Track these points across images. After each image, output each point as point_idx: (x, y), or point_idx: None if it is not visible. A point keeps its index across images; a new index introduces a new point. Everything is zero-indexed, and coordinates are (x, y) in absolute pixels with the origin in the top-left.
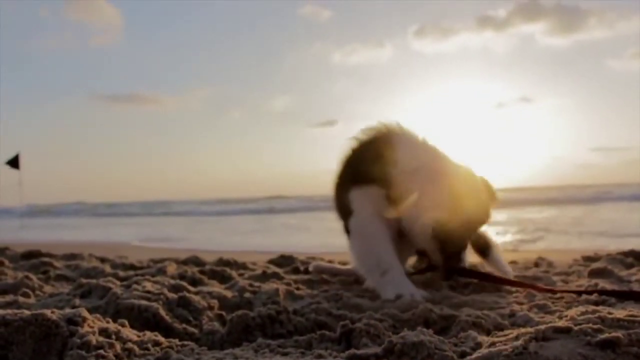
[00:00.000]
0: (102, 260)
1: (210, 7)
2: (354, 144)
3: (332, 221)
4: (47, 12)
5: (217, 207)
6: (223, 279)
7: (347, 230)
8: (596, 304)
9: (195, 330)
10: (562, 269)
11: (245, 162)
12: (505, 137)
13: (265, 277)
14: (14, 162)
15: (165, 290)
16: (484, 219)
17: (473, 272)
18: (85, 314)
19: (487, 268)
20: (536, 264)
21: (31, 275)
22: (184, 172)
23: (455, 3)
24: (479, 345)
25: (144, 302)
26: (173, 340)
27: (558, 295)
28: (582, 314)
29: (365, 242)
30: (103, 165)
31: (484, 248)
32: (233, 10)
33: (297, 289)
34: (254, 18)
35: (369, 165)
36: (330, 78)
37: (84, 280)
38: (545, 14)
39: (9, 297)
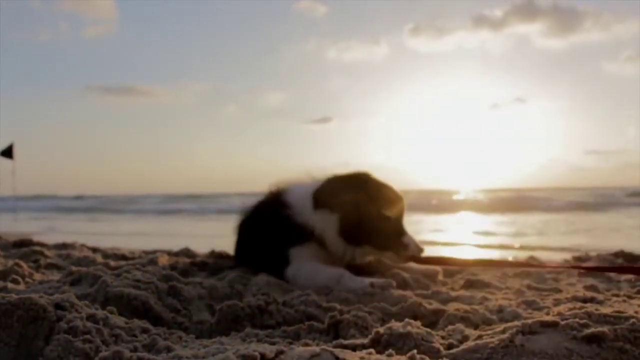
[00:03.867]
0: (94, 250)
1: (206, 2)
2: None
3: None
4: (40, 3)
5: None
6: (214, 270)
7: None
8: (584, 301)
9: (185, 320)
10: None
11: (238, 157)
12: (500, 138)
13: (255, 270)
14: (7, 152)
15: (156, 280)
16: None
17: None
18: (74, 299)
19: None
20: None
21: (21, 263)
22: (178, 166)
23: (451, 2)
24: (466, 338)
25: (133, 291)
26: (161, 328)
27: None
28: (570, 309)
29: (312, 270)
30: (95, 157)
31: None
32: (229, 5)
33: (288, 282)
34: (250, 13)
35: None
36: (325, 74)
37: (74, 268)
38: (541, 15)
39: None
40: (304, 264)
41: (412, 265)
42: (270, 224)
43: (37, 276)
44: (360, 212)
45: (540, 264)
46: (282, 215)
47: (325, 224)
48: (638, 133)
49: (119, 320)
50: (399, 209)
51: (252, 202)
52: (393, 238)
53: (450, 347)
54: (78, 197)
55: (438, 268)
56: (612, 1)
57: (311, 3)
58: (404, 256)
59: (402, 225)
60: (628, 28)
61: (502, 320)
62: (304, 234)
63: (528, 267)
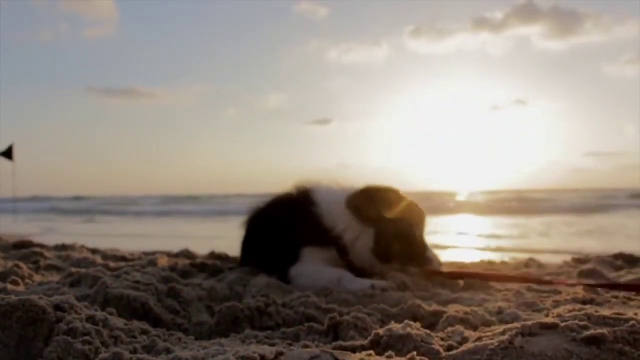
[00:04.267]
0: (94, 251)
1: (207, 4)
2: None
3: None
4: (41, 4)
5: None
6: (214, 272)
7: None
8: (584, 302)
9: (184, 321)
10: (552, 270)
11: (238, 158)
12: (500, 140)
13: (255, 271)
14: (7, 153)
15: (155, 281)
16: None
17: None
18: (73, 300)
19: None
20: (526, 265)
21: (21, 264)
22: (177, 167)
23: (451, 4)
24: (465, 340)
25: (132, 292)
26: (160, 329)
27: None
28: (569, 311)
29: (314, 271)
30: (95, 158)
31: None
32: (229, 7)
33: (288, 283)
34: (250, 14)
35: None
36: (325, 76)
37: (73, 269)
38: (541, 17)
39: None
40: (308, 265)
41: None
42: (290, 220)
43: (37, 277)
44: (396, 230)
45: (563, 281)
46: (306, 213)
47: (360, 236)
48: (637, 135)
49: (118, 322)
50: (423, 224)
51: (263, 199)
52: (419, 254)
53: (449, 348)
54: (78, 198)
55: None
56: (613, 3)
57: (311, 5)
58: (427, 270)
59: (425, 241)
60: (629, 30)
61: (502, 321)
62: (325, 237)
63: (550, 285)
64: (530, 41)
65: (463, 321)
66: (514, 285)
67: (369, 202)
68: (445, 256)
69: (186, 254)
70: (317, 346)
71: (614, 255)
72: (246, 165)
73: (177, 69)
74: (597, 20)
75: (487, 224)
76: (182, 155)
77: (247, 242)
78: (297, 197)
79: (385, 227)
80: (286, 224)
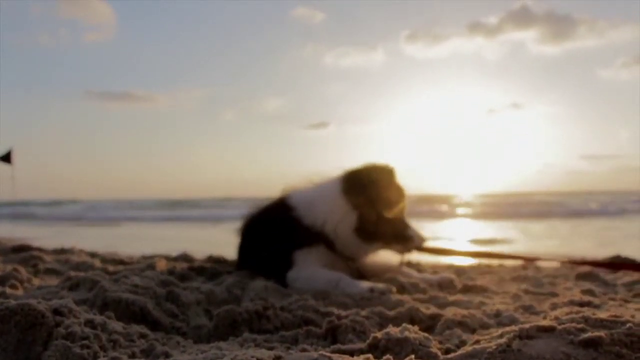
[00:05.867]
0: (92, 255)
1: (204, 8)
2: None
3: None
4: (40, 9)
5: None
6: (212, 275)
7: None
8: (581, 305)
9: (183, 325)
10: (549, 272)
11: (236, 162)
12: (496, 143)
13: (254, 275)
14: (6, 158)
15: (154, 285)
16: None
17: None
18: (72, 305)
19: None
20: (524, 268)
21: (20, 268)
22: (176, 171)
23: (447, 9)
24: (463, 343)
25: (131, 296)
26: (159, 333)
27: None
28: (567, 314)
29: (312, 274)
30: (93, 162)
31: None
32: (227, 11)
33: (286, 286)
34: (247, 19)
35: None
36: (322, 80)
37: (72, 273)
38: (536, 22)
39: None
40: (305, 268)
41: (427, 275)
42: (276, 228)
43: (36, 281)
44: (378, 210)
45: (534, 257)
46: (288, 219)
47: (342, 220)
48: (632, 138)
49: (117, 326)
50: (404, 203)
51: (255, 206)
52: (401, 233)
53: (447, 351)
54: (76, 202)
55: (453, 276)
56: (607, 8)
57: (308, 10)
58: (409, 247)
59: (405, 219)
60: (623, 34)
61: (500, 324)
62: (311, 237)
63: (523, 259)
64: (526, 46)
65: (461, 324)
66: (512, 288)
67: (356, 187)
68: (443, 259)
69: (185, 257)
70: (315, 350)
71: (610, 258)
72: (244, 169)
73: (175, 73)
74: (591, 24)
75: (484, 227)
76: (180, 159)
77: (242, 249)
78: (278, 205)
79: (370, 209)
80: (274, 232)
